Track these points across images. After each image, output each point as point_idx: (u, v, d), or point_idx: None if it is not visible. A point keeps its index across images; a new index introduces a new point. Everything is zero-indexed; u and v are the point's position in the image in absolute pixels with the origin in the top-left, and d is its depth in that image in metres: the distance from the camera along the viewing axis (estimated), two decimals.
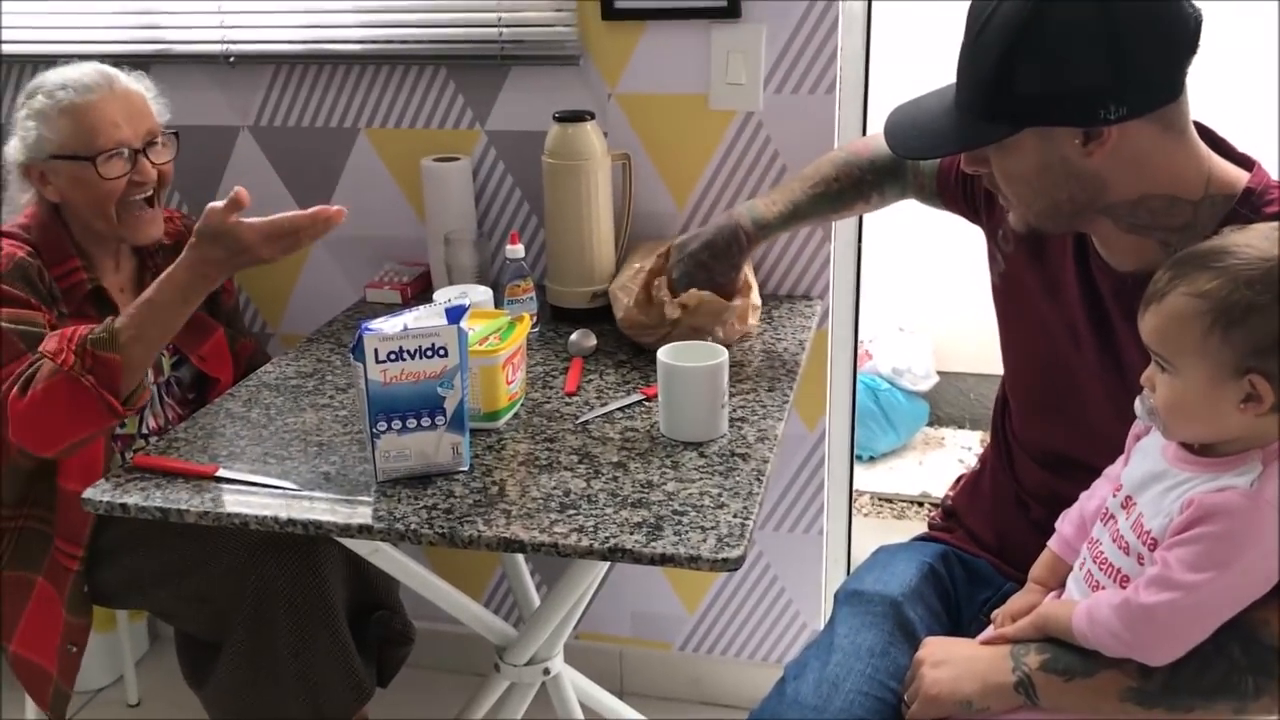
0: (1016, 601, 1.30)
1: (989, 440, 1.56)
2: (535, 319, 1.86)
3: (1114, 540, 1.16)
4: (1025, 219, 1.26)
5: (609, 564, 1.73)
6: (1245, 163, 1.23)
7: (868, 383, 3.32)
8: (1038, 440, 1.43)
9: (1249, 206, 1.17)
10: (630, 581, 2.29)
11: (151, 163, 1.79)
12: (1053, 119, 1.15)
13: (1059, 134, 1.15)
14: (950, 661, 1.24)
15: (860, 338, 2.15)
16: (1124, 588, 1.14)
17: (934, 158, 1.23)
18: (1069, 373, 1.34)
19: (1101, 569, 1.17)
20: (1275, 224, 1.07)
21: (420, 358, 1.36)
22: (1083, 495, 1.28)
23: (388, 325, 1.37)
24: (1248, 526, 1.04)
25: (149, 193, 1.80)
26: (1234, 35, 3.03)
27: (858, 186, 1.65)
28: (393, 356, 1.35)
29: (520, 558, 2.05)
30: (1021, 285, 1.41)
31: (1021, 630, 1.21)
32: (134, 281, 1.91)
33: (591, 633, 2.35)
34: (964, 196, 1.53)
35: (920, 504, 3.19)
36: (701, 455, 1.46)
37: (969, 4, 1.21)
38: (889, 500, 3.23)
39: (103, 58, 1.85)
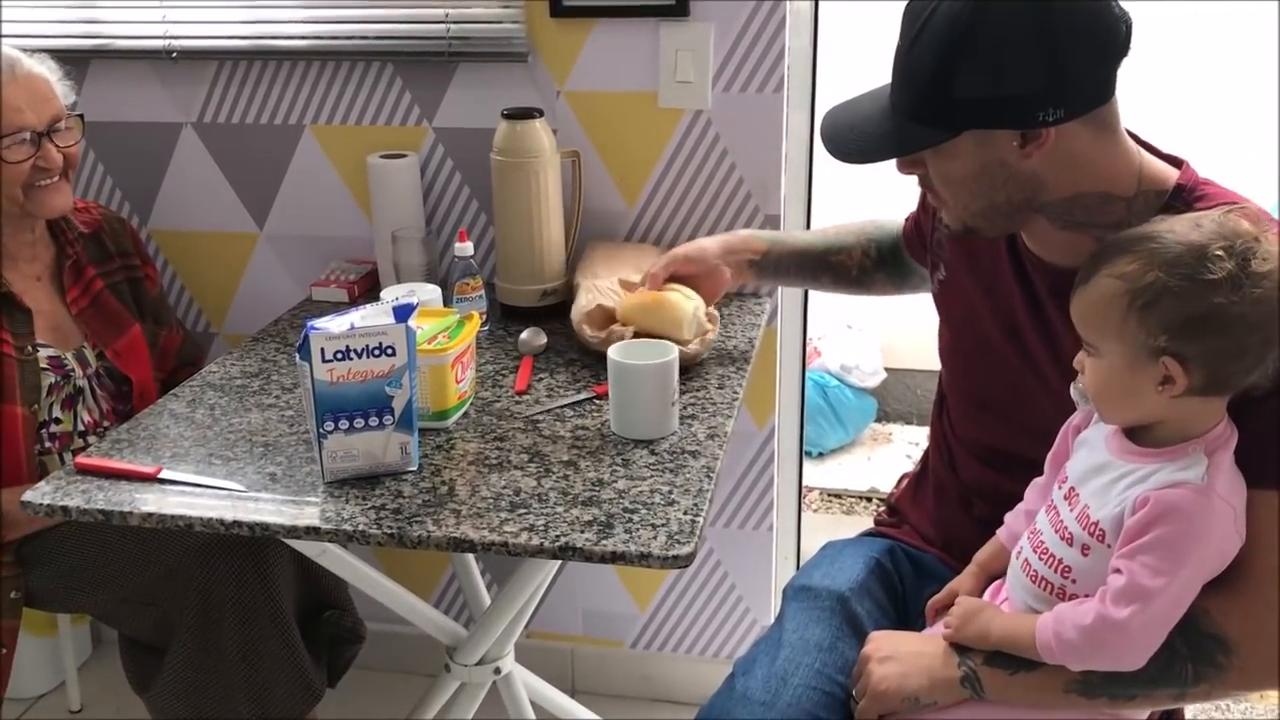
0: (954, 583, 1.32)
1: (929, 441, 1.58)
2: (485, 317, 1.85)
3: (1056, 530, 1.18)
4: (962, 219, 1.27)
5: (559, 563, 1.73)
6: (1175, 162, 1.26)
7: (816, 379, 3.34)
8: (979, 438, 1.45)
9: (1179, 202, 1.19)
10: (582, 580, 2.29)
11: (56, 146, 1.77)
12: (991, 122, 1.16)
13: (997, 137, 1.17)
14: (897, 657, 1.25)
15: (809, 335, 2.17)
16: (1065, 577, 1.15)
17: (872, 161, 1.23)
18: (1010, 371, 1.36)
19: (1041, 558, 1.18)
20: (1204, 212, 1.10)
21: (367, 357, 1.35)
22: (1028, 490, 1.30)
23: (334, 324, 1.36)
24: (1202, 522, 1.06)
25: (54, 178, 1.78)
26: (1234, 35, 3.08)
27: (859, 235, 1.69)
28: (339, 356, 1.34)
29: (470, 557, 2.04)
30: (960, 289, 1.43)
31: (960, 629, 1.22)
32: (52, 270, 1.88)
33: (543, 631, 2.35)
34: (919, 240, 1.56)
35: (869, 499, 3.21)
36: (652, 453, 1.46)
37: (905, 6, 1.22)
38: (838, 496, 3.25)
39: (42, 52, 1.82)
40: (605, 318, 1.72)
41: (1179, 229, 1.07)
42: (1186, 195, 1.20)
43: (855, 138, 1.25)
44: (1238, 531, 1.09)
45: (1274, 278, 1.03)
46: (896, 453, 3.44)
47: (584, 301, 1.76)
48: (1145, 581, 1.06)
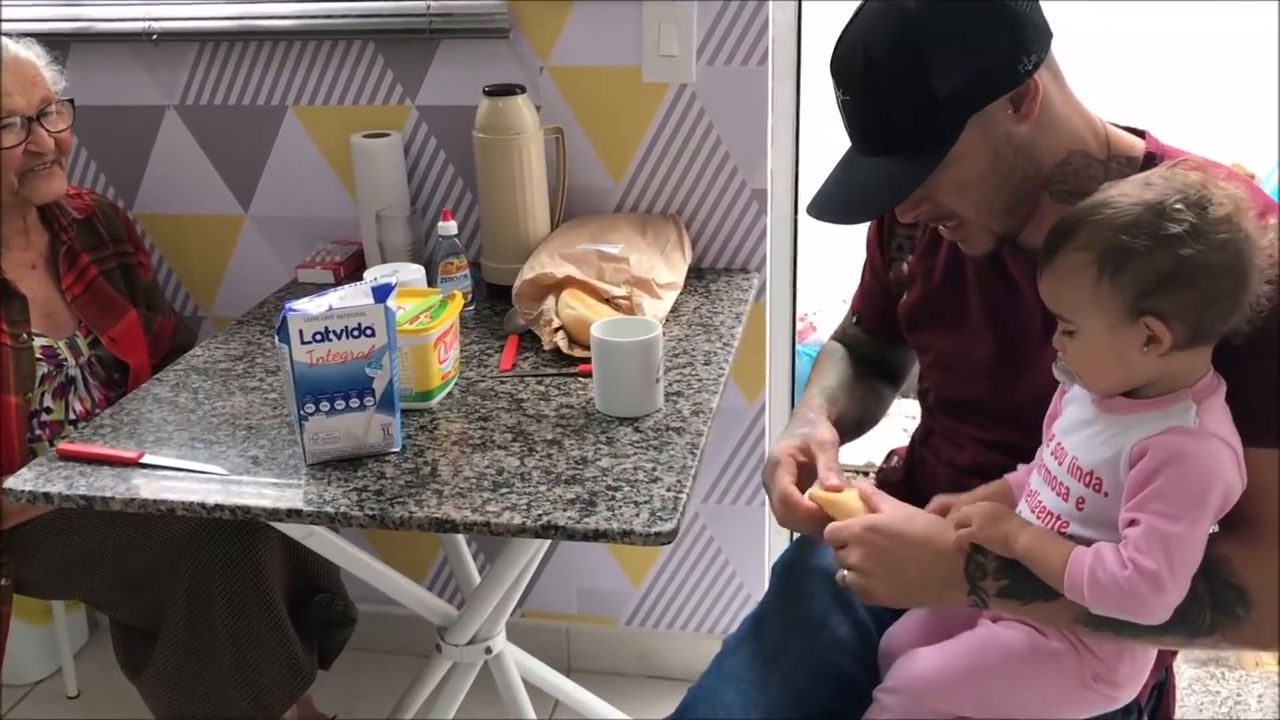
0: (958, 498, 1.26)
1: (919, 423, 1.55)
2: (470, 297, 1.84)
3: (1051, 487, 1.16)
4: (989, 227, 1.23)
5: (547, 542, 1.73)
6: (1137, 134, 1.25)
7: (811, 354, 3.32)
8: (969, 433, 1.40)
9: (1153, 168, 1.18)
10: (576, 559, 2.28)
11: (47, 131, 1.75)
12: (986, 96, 1.15)
13: (994, 113, 1.15)
14: (900, 575, 1.18)
15: (803, 310, 2.15)
16: (1062, 533, 1.14)
17: (892, 206, 1.20)
18: (994, 365, 1.33)
19: (1040, 518, 1.17)
20: (1148, 171, 1.10)
21: (347, 338, 1.34)
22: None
23: (312, 305, 1.35)
24: (1204, 461, 1.06)
25: (47, 163, 1.76)
26: (1234, 35, 3.06)
27: (863, 378, 1.59)
28: (318, 337, 1.33)
29: (461, 538, 2.04)
30: (928, 303, 1.39)
31: (980, 529, 1.15)
32: (47, 257, 1.87)
33: (538, 610, 2.34)
34: (880, 301, 1.50)
35: (865, 474, 3.21)
36: (636, 430, 1.45)
37: (830, 63, 1.20)
38: None
39: (29, 37, 1.81)
40: (538, 293, 1.70)
41: (1130, 191, 1.07)
42: (1159, 161, 1.18)
43: (860, 197, 1.21)
44: (1240, 475, 1.08)
45: (1232, 220, 1.04)
46: (893, 426, 3.42)
47: (517, 281, 1.73)
48: (1164, 527, 1.05)
